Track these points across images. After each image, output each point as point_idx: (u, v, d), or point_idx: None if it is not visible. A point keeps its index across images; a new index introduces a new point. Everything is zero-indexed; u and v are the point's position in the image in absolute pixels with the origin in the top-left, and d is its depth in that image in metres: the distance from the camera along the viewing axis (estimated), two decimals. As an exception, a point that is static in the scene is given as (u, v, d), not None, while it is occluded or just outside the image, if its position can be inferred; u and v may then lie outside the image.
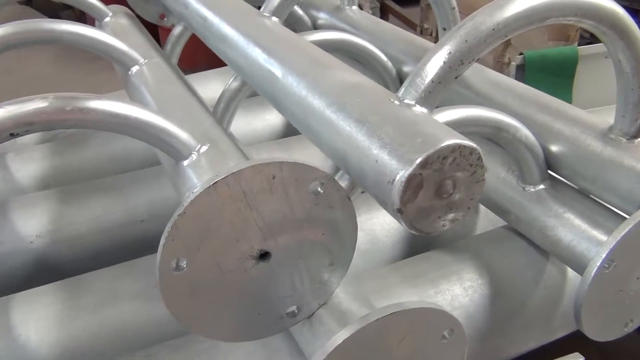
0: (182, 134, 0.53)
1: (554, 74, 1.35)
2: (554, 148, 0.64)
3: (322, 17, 1.05)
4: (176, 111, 0.65)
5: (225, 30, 0.72)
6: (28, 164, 0.99)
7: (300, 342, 0.55)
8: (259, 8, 0.79)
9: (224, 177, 0.43)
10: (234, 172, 0.43)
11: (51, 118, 0.48)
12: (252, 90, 0.77)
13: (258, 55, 0.64)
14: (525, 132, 0.62)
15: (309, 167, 0.45)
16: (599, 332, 0.59)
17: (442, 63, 0.49)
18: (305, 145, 0.94)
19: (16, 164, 0.98)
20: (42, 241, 0.80)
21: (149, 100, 0.69)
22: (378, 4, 2.41)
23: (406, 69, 0.86)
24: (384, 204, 0.44)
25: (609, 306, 0.57)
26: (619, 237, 0.53)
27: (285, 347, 0.58)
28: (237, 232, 0.45)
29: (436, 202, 0.43)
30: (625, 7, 0.54)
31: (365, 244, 0.77)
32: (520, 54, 1.35)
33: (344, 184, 0.53)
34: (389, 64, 0.86)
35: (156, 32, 2.10)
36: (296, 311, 0.52)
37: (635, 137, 0.60)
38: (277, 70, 0.60)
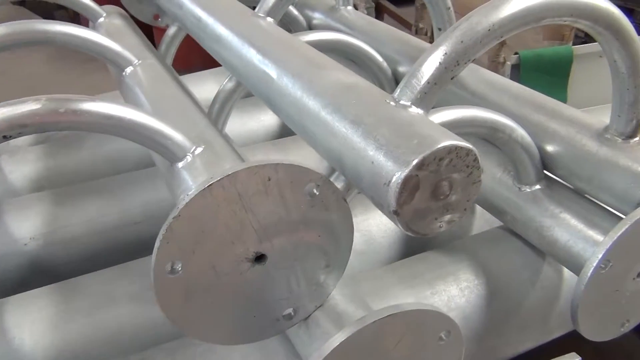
0: (177, 136, 0.53)
1: (549, 74, 1.35)
2: (549, 148, 0.64)
3: (317, 17, 1.05)
4: (171, 112, 0.65)
5: (219, 30, 0.71)
6: (22, 165, 0.98)
7: (296, 345, 0.55)
8: (254, 8, 0.78)
9: (219, 179, 0.43)
10: (229, 174, 0.43)
11: (44, 120, 0.48)
12: (247, 91, 0.77)
13: (253, 56, 0.63)
14: (521, 132, 0.62)
15: (304, 168, 0.45)
16: (596, 332, 0.59)
17: (437, 64, 0.49)
18: (300, 146, 0.94)
19: (9, 166, 0.98)
20: (36, 243, 0.79)
21: (143, 102, 0.69)
22: (373, 3, 2.41)
23: (401, 69, 0.86)
24: (380, 206, 0.43)
25: (605, 306, 0.57)
26: (615, 237, 0.53)
27: (281, 350, 0.58)
28: (232, 235, 0.45)
29: (432, 204, 0.43)
30: (619, 6, 0.54)
31: (362, 245, 0.77)
32: (516, 53, 1.35)
33: (339, 185, 0.53)
34: (385, 64, 0.86)
35: (151, 33, 2.10)
36: (292, 313, 0.52)
37: (631, 137, 0.60)
38: (272, 71, 0.59)
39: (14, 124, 0.47)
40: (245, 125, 1.10)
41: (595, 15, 0.52)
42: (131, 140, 0.52)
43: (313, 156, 0.75)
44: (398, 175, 0.40)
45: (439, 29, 0.84)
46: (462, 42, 0.49)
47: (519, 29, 0.50)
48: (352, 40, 0.83)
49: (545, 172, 0.66)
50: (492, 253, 0.71)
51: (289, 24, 1.07)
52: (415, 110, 0.48)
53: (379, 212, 0.45)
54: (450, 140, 0.41)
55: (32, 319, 0.65)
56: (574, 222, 0.61)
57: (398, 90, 0.50)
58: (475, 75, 0.74)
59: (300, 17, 1.07)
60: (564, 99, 1.36)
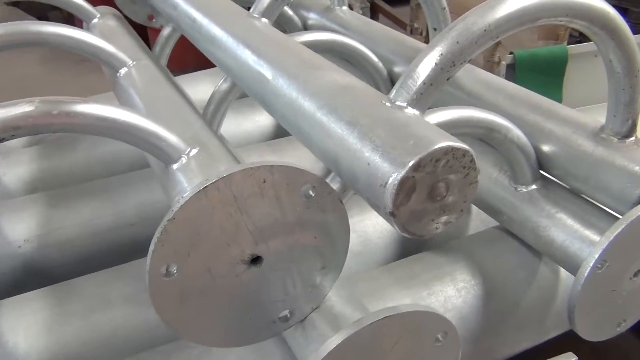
0: (172, 137, 0.53)
1: (544, 73, 1.36)
2: (545, 148, 0.64)
3: (312, 17, 1.05)
4: (165, 114, 0.64)
5: (214, 31, 0.71)
6: (15, 167, 0.98)
7: (293, 347, 0.54)
8: (249, 9, 0.78)
9: (214, 182, 0.42)
10: (224, 176, 0.43)
11: (38, 122, 0.47)
12: (242, 92, 0.76)
13: (248, 56, 0.63)
14: (516, 132, 0.62)
15: (300, 170, 0.45)
16: (592, 332, 0.59)
17: (433, 64, 0.48)
18: (296, 146, 0.93)
19: (3, 168, 0.97)
20: (31, 246, 0.79)
21: (137, 103, 0.68)
22: (368, 3, 2.41)
23: (397, 69, 0.85)
24: (377, 207, 0.43)
25: (602, 306, 0.57)
26: (611, 237, 0.53)
27: (278, 352, 0.57)
28: (228, 237, 0.45)
29: (429, 205, 0.43)
30: (613, 5, 0.54)
31: (358, 246, 0.77)
32: (511, 53, 1.36)
33: (335, 186, 0.53)
34: (380, 64, 0.85)
35: (145, 33, 2.09)
36: (289, 315, 0.51)
37: (627, 137, 0.60)
38: (267, 72, 0.59)
39: (7, 126, 0.46)
40: (241, 126, 1.10)
41: (591, 15, 0.52)
42: (125, 142, 0.52)
43: (309, 157, 0.75)
44: (394, 177, 0.40)
45: (435, 29, 0.84)
46: (457, 42, 0.49)
47: (515, 29, 0.50)
48: (347, 40, 0.83)
49: (541, 172, 0.66)
50: (488, 253, 0.71)
51: (284, 25, 1.07)
52: (411, 111, 0.48)
53: (375, 212, 0.44)
54: (447, 142, 0.41)
55: (26, 322, 0.64)
56: (570, 222, 0.61)
57: (394, 91, 0.50)
58: (471, 75, 0.74)
59: (296, 18, 1.07)
60: (559, 99, 1.36)
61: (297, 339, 0.53)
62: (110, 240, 0.83)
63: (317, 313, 0.52)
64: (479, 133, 0.60)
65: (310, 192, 0.46)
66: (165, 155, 0.53)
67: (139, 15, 1.15)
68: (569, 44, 1.46)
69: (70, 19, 2.60)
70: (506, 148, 0.62)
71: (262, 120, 1.12)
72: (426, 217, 0.43)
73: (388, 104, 0.48)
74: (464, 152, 0.42)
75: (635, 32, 0.58)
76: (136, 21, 1.15)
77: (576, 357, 0.62)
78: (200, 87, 1.17)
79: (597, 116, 0.64)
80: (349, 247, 0.51)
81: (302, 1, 1.08)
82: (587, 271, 0.53)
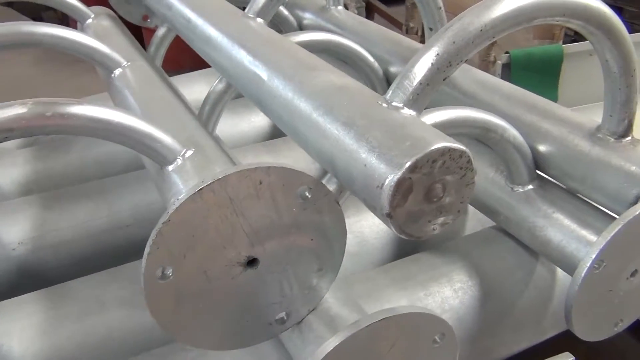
0: (167, 139, 0.52)
1: (539, 72, 1.36)
2: (542, 148, 0.64)
3: (308, 17, 1.04)
4: (160, 115, 0.64)
5: (209, 31, 0.71)
6: (9, 169, 0.97)
7: (289, 349, 0.54)
8: (244, 9, 0.78)
9: (210, 184, 0.42)
10: (219, 178, 0.42)
11: (31, 124, 0.47)
12: (238, 92, 0.76)
13: (243, 57, 0.63)
14: (513, 132, 0.62)
15: (296, 171, 0.45)
16: (589, 332, 0.59)
17: (430, 65, 0.48)
18: (292, 147, 0.93)
19: (-3, 170, 0.96)
20: (25, 248, 0.78)
21: (132, 104, 0.68)
22: (363, 3, 2.41)
23: (393, 69, 0.85)
24: (373, 209, 0.43)
25: (599, 306, 0.57)
26: (608, 237, 0.53)
27: (274, 354, 0.57)
28: (223, 239, 0.44)
29: (426, 206, 0.42)
30: (608, 4, 0.54)
31: (354, 246, 0.76)
32: (506, 52, 1.36)
33: (331, 187, 0.52)
34: (376, 64, 0.85)
35: (140, 34, 2.08)
36: (285, 317, 0.51)
37: (623, 136, 0.59)
38: (262, 72, 0.59)
39: (0, 128, 0.46)
40: (236, 127, 1.10)
41: (587, 15, 0.52)
42: (120, 144, 0.51)
43: (305, 157, 0.75)
44: (391, 178, 0.40)
45: (430, 29, 0.84)
46: (454, 42, 0.48)
47: (511, 29, 0.50)
48: (343, 40, 0.83)
49: (537, 172, 0.66)
50: (485, 254, 0.71)
51: (279, 25, 1.06)
52: (407, 111, 0.48)
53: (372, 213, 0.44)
54: (444, 142, 0.41)
55: (21, 325, 0.64)
56: (567, 222, 0.61)
57: (390, 92, 0.49)
58: (467, 75, 0.74)
59: (291, 18, 1.06)
60: (554, 98, 1.37)
61: (294, 341, 0.53)
62: (105, 242, 0.82)
63: (314, 315, 0.52)
64: (476, 133, 0.59)
65: (307, 194, 0.46)
66: (161, 157, 0.52)
67: (133, 15, 1.15)
68: (564, 43, 1.46)
69: (65, 19, 2.58)
70: (502, 148, 0.62)
71: (258, 121, 1.12)
72: (423, 219, 0.43)
73: (384, 105, 0.48)
74: (461, 153, 0.42)
75: (630, 31, 0.58)
76: (131, 21, 1.15)
77: (573, 357, 0.62)
78: (196, 87, 1.16)
79: (593, 115, 0.64)
80: (346, 248, 0.51)
81: (298, 1, 1.07)
82: (584, 271, 0.53)
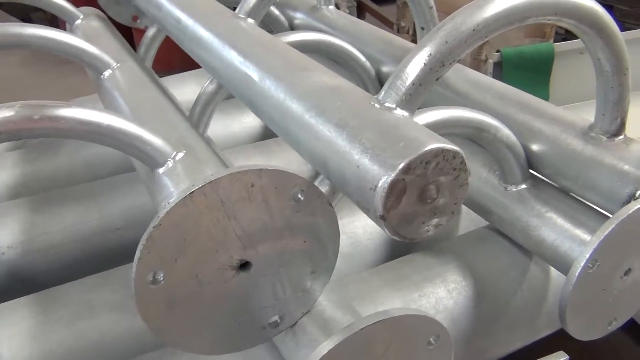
0: (157, 141, 0.52)
1: (530, 71, 1.36)
2: (535, 147, 0.64)
3: (299, 17, 1.04)
4: (150, 116, 0.63)
5: (200, 32, 0.70)
6: (-2, 171, 0.96)
7: (283, 352, 0.54)
8: (234, 9, 0.77)
9: (201, 187, 0.42)
10: (211, 181, 0.42)
11: (19, 127, 0.46)
12: (229, 93, 0.75)
13: (234, 58, 0.62)
14: (506, 131, 0.61)
15: (288, 173, 0.44)
16: (584, 331, 0.59)
17: (422, 65, 0.48)
18: (284, 148, 0.93)
19: (-15, 173, 0.95)
20: (14, 252, 0.77)
21: (122, 106, 0.67)
22: (355, 2, 2.40)
23: (385, 69, 0.85)
24: (367, 210, 0.43)
25: (593, 305, 0.57)
26: (602, 237, 0.53)
27: (268, 358, 0.57)
28: (215, 243, 0.44)
29: (420, 208, 0.42)
30: (600, 2, 0.54)
31: (348, 247, 0.76)
32: (497, 51, 1.36)
33: (324, 189, 0.52)
34: (368, 64, 0.85)
35: (130, 35, 2.07)
36: (279, 321, 0.50)
37: (616, 135, 0.59)
38: (253, 73, 0.58)
39: (-13, 132, 0.45)
40: (228, 128, 1.09)
41: (580, 14, 0.52)
42: (110, 147, 0.51)
43: (297, 159, 0.74)
44: (384, 180, 0.40)
45: (422, 29, 0.83)
46: (446, 42, 0.48)
47: (504, 29, 0.49)
48: (334, 40, 0.82)
49: (531, 171, 0.66)
50: (479, 254, 0.71)
51: (270, 25, 1.06)
52: (400, 112, 0.47)
53: (365, 214, 0.44)
54: (437, 143, 0.40)
55: (10, 331, 0.63)
56: (560, 221, 0.61)
57: (382, 92, 0.49)
58: (460, 74, 0.74)
59: (282, 18, 1.06)
60: (546, 96, 1.37)
61: (287, 344, 0.52)
62: (95, 245, 0.81)
63: (307, 318, 0.52)
64: (469, 133, 0.59)
65: (299, 196, 0.45)
66: (151, 160, 0.52)
67: (123, 16, 1.14)
68: (555, 41, 1.46)
69: (54, 20, 2.57)
70: (495, 147, 0.62)
71: (249, 122, 1.11)
72: (417, 220, 0.43)
73: (377, 105, 0.48)
74: (455, 154, 0.41)
75: (622, 29, 0.58)
76: (120, 22, 1.14)
77: (567, 356, 0.62)
78: (187, 88, 1.15)
79: (585, 114, 0.64)
80: (339, 249, 0.50)
81: (289, 1, 1.07)
82: (578, 271, 0.53)
